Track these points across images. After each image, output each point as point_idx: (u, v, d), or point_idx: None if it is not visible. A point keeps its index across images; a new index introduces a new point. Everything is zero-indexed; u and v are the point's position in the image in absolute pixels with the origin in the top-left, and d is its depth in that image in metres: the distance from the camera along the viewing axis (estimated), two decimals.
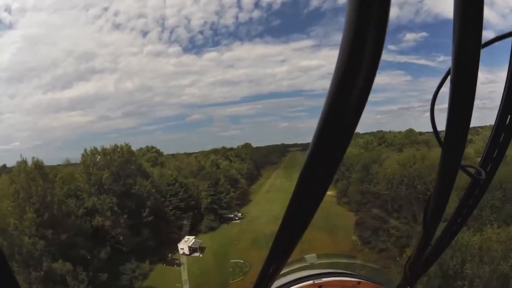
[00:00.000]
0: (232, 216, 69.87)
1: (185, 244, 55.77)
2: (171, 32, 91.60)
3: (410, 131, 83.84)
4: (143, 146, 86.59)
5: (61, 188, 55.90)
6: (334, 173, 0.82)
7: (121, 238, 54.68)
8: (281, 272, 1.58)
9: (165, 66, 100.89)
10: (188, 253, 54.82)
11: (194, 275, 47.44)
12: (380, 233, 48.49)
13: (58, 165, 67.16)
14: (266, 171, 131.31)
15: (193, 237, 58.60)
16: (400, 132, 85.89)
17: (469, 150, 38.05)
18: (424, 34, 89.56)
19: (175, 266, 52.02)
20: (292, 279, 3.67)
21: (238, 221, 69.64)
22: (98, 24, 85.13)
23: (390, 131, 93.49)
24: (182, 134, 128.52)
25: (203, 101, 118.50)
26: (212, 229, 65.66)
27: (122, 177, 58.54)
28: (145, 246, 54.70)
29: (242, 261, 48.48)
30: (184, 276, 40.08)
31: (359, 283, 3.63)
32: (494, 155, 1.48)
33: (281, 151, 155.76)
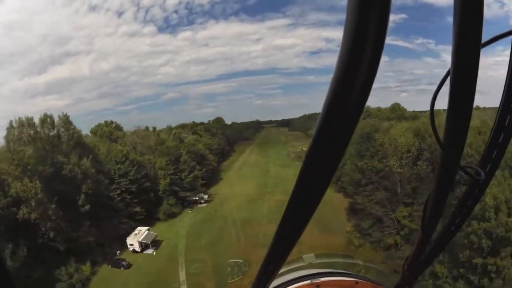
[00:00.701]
0: (197, 199, 58.76)
1: (134, 238, 43.90)
2: (146, 12, 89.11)
3: (396, 104, 77.44)
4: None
5: None
6: (334, 171, 0.80)
7: (52, 234, 42.04)
8: (279, 272, 1.48)
9: (140, 46, 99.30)
10: (139, 250, 43.20)
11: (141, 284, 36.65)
12: (387, 223, 38.22)
13: None
14: (239, 146, 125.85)
15: (146, 228, 47.00)
16: (379, 108, 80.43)
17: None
18: (403, 16, 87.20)
19: (122, 268, 40.47)
20: (289, 278, 3.64)
21: (204, 204, 58.66)
22: (74, 7, 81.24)
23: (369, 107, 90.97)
24: (158, 113, 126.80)
25: (178, 79, 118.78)
26: (172, 216, 54.08)
27: (50, 154, 45.38)
28: (84, 243, 42.61)
29: (241, 261, 38.36)
30: (182, 276, 35.17)
31: (356, 283, 3.56)
32: (493, 156, 1.46)
33: (255, 127, 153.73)
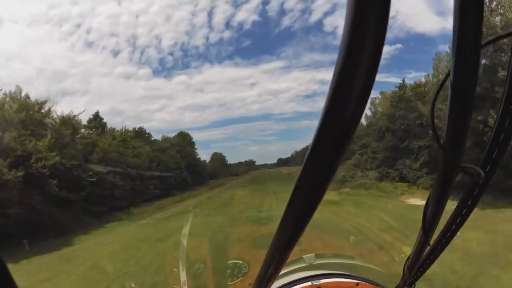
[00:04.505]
0: None
1: None
2: (142, 53, 69.59)
3: None
4: None
5: None
6: (333, 173, 0.81)
7: None
8: (280, 273, 1.49)
9: (135, 90, 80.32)
10: None
11: None
12: None
13: None
14: (217, 181, 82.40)
15: None
16: None
17: None
18: (397, 46, 67.84)
19: None
20: (290, 280, 3.52)
21: None
22: (70, 41, 62.30)
23: None
24: None
25: (172, 126, 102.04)
26: None
27: None
28: None
29: (241, 262, 20.98)
30: (183, 277, 12.28)
31: (357, 284, 3.47)
32: (493, 156, 1.47)
33: (248, 165, 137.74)
